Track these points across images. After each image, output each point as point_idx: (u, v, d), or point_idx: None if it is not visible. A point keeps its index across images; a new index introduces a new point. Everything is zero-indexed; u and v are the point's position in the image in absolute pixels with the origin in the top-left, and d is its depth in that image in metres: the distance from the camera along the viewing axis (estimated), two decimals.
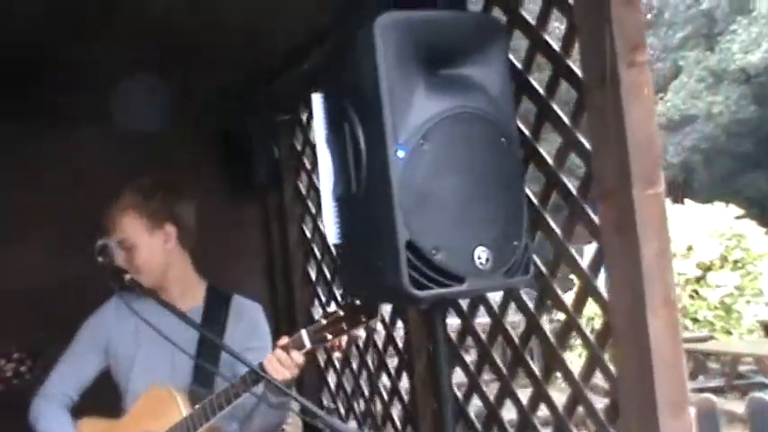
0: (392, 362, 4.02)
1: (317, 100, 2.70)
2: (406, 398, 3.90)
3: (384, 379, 4.14)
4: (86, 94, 4.07)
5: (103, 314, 3.29)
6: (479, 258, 2.47)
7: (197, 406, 3.01)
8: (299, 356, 2.88)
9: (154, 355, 3.16)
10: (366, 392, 4.32)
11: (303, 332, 2.90)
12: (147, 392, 3.11)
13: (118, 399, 3.26)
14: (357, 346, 4.36)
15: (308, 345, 2.88)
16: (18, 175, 4.37)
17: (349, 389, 4.54)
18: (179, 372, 3.14)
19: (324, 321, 2.88)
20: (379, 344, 4.14)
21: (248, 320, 3.26)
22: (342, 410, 4.59)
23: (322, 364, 4.75)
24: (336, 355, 4.63)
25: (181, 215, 3.23)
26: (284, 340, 2.90)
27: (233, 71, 4.29)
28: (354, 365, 4.44)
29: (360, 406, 4.43)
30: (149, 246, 3.16)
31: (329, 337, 2.86)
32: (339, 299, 4.44)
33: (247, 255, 4.91)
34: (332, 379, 4.71)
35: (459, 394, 3.42)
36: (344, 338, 2.87)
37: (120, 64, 3.92)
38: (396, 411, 4.09)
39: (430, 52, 2.49)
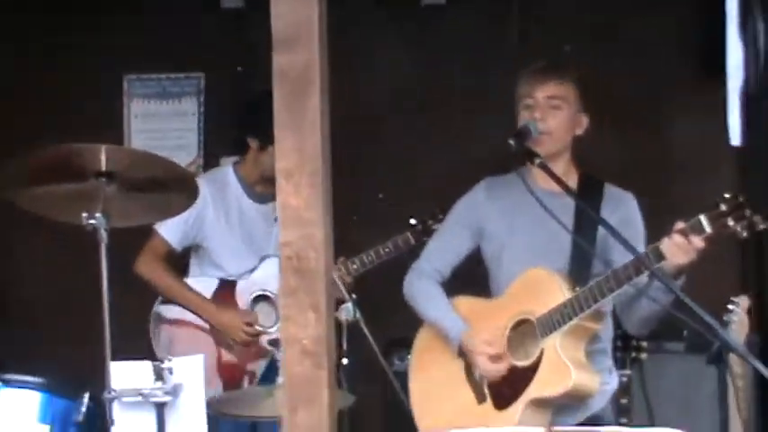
0: None
1: None
2: None
3: None
4: None
5: (475, 195, 3.39)
6: None
7: (581, 288, 3.04)
8: (698, 241, 2.85)
9: (528, 238, 3.23)
10: None
11: (702, 216, 2.85)
12: (524, 273, 3.17)
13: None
14: None
15: (707, 230, 2.84)
16: None
17: None
18: (555, 254, 3.18)
19: (724, 207, 2.81)
20: None
21: (623, 209, 3.24)
22: None
23: None
24: None
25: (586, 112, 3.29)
26: (681, 224, 2.88)
27: None
28: None
29: None
30: (571, 117, 3.25)
31: (731, 223, 2.80)
32: None
33: None
34: None
35: None
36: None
37: None
38: None
39: None
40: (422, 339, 3.47)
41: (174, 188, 3.03)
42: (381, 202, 4.67)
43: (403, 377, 3.51)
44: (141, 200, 3.01)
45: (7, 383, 3.06)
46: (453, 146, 4.69)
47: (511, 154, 3.11)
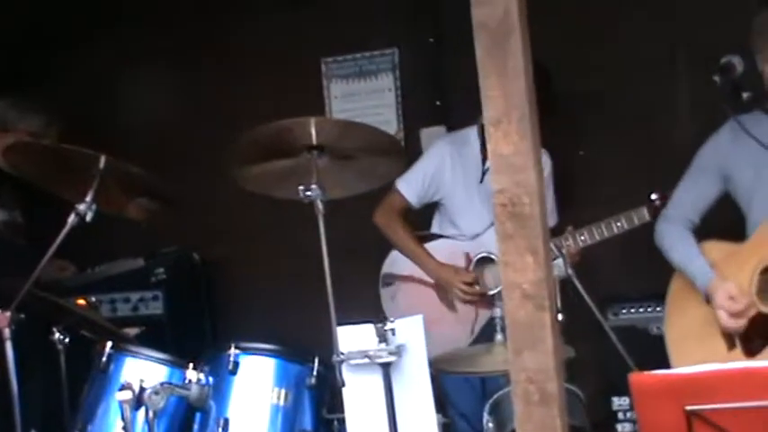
0: None
1: None
2: None
3: None
4: None
5: (719, 139, 3.30)
6: None
7: None
8: None
9: None
10: None
11: None
12: None
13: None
14: None
15: None
16: None
17: None
18: None
19: None
20: None
21: None
22: None
23: None
24: None
25: None
26: None
27: None
28: None
29: None
30: None
31: None
32: None
33: None
34: None
35: None
36: None
37: None
38: None
39: None
40: (676, 283, 3.46)
41: (382, 153, 3.13)
42: (585, 160, 4.57)
43: (618, 332, 3.49)
44: (352, 169, 3.12)
45: (245, 351, 3.25)
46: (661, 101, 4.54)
47: (720, 92, 3.02)
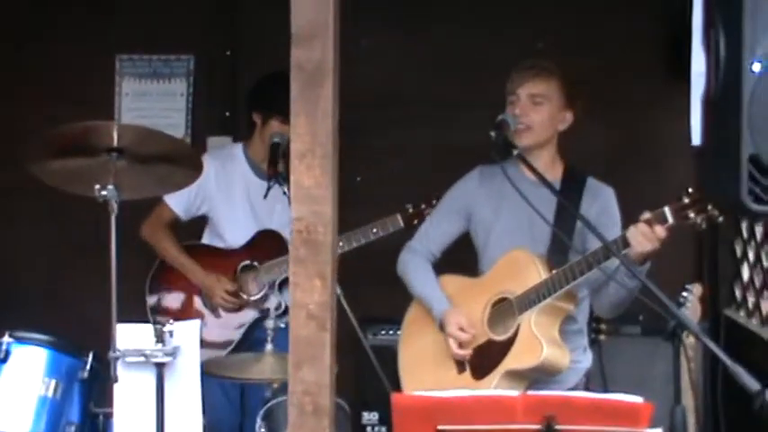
0: None
1: None
2: None
3: None
4: None
5: (467, 182, 3.65)
6: None
7: (555, 271, 3.29)
8: (661, 231, 3.08)
9: (513, 223, 3.49)
10: None
11: (666, 208, 3.09)
12: (507, 255, 3.43)
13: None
14: None
15: (670, 220, 3.07)
16: None
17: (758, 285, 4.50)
18: (536, 240, 3.44)
19: (686, 200, 3.04)
20: None
21: (602, 201, 3.49)
22: (749, 306, 4.58)
23: (738, 254, 4.73)
24: None
25: (579, 108, 3.52)
26: (647, 215, 3.11)
27: None
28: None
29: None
30: (553, 114, 3.48)
31: (692, 215, 3.04)
32: None
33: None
34: (746, 273, 4.68)
35: None
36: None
37: None
38: None
39: None
40: (412, 313, 3.74)
41: (180, 163, 3.26)
42: (362, 185, 4.83)
43: (376, 351, 3.74)
44: (149, 174, 3.23)
45: (19, 340, 3.28)
46: (436, 135, 4.91)
47: (493, 145, 3.37)
